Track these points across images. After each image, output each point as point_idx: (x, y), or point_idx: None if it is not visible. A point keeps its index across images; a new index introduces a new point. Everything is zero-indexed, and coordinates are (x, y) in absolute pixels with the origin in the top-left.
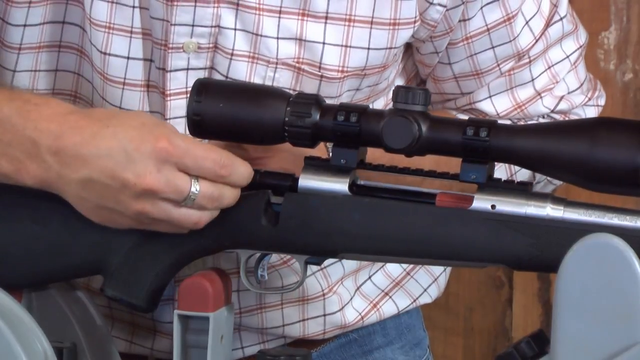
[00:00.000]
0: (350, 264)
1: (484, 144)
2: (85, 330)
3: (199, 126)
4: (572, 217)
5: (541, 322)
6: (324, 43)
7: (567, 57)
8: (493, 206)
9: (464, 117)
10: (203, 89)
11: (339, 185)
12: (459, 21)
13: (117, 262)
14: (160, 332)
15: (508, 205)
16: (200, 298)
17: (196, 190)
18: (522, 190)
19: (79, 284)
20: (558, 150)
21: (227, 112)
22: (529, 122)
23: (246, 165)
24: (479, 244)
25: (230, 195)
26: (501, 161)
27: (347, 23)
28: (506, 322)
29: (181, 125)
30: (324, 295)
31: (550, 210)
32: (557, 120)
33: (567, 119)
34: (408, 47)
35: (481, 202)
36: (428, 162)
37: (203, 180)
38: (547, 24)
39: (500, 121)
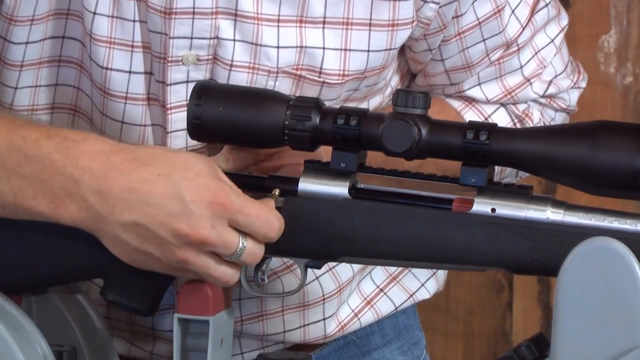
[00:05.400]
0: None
1: (483, 148)
2: (85, 333)
3: (199, 130)
4: (572, 220)
5: (541, 325)
6: (323, 48)
7: (552, 40)
8: (493, 210)
9: (454, 102)
10: (203, 93)
11: (339, 188)
12: (452, 18)
13: (116, 265)
14: (160, 338)
15: (508, 209)
16: (200, 301)
17: (243, 246)
18: (522, 193)
19: (79, 288)
20: (558, 154)
21: (227, 115)
22: (529, 126)
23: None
24: (478, 247)
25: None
26: (501, 165)
27: (345, 26)
28: (506, 326)
29: (182, 138)
30: (324, 299)
31: (550, 214)
32: (557, 124)
33: (554, 103)
34: (401, 46)
35: (481, 206)
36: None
37: (249, 237)
38: (533, 11)
39: (499, 124)
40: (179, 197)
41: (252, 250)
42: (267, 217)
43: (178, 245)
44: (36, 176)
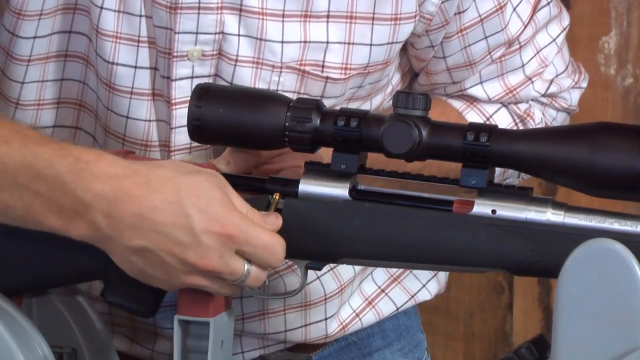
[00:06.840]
0: None
1: (484, 149)
2: (86, 335)
3: (199, 131)
4: (573, 222)
5: (542, 327)
6: (327, 42)
7: (554, 40)
8: (493, 211)
9: (456, 102)
10: (204, 94)
11: (339, 190)
12: (454, 14)
13: (117, 267)
14: (161, 336)
15: (508, 210)
16: (201, 303)
17: (248, 273)
18: (523, 195)
19: (79, 289)
20: (558, 156)
21: (227, 117)
22: (531, 125)
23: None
24: (479, 249)
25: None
26: (501, 166)
27: (348, 20)
28: (506, 327)
29: (186, 134)
30: (325, 299)
31: (551, 216)
32: (557, 126)
33: (555, 103)
34: (404, 42)
35: (482, 207)
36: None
37: (254, 263)
38: (534, 9)
39: (501, 124)
40: (189, 228)
41: (256, 276)
42: (273, 248)
43: (184, 272)
44: (47, 194)
